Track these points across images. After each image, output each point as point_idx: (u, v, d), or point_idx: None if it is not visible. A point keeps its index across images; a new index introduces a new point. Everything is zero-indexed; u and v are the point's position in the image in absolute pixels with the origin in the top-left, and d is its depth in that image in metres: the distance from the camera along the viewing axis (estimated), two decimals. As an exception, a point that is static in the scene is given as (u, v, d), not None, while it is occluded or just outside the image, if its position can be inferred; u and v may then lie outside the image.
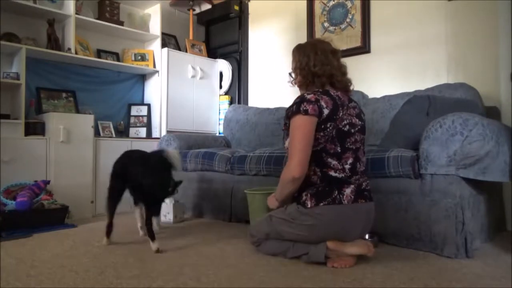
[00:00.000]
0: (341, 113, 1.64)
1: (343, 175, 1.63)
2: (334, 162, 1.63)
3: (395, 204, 1.95)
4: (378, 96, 2.83)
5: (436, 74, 2.75)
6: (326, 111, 1.61)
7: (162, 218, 2.66)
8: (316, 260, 1.63)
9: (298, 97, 1.67)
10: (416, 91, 2.58)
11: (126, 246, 2.01)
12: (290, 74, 1.87)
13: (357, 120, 1.70)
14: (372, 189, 1.76)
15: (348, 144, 1.65)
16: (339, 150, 1.64)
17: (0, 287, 1.40)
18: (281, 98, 3.63)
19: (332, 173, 1.63)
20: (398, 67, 2.96)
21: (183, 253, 1.87)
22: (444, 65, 2.72)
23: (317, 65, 1.72)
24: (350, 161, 1.65)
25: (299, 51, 1.81)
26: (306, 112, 1.59)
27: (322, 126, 1.62)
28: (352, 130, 1.66)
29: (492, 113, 2.36)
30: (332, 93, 1.67)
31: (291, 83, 1.88)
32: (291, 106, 1.66)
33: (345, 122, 1.65)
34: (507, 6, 2.43)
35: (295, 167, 1.61)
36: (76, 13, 3.15)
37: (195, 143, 3.32)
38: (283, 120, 1.77)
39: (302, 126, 1.61)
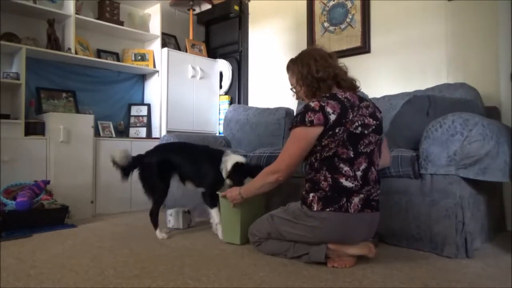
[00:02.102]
0: (351, 116, 1.59)
1: (353, 185, 1.58)
2: (346, 168, 1.58)
3: (395, 204, 1.95)
4: (378, 96, 2.83)
5: (436, 74, 2.75)
6: (333, 117, 1.56)
7: (169, 226, 2.57)
8: (317, 260, 1.63)
9: (304, 106, 1.64)
10: (416, 91, 2.58)
11: (126, 246, 2.01)
12: (291, 89, 1.85)
13: (371, 120, 1.64)
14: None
15: (362, 147, 1.60)
16: (352, 155, 1.59)
17: (0, 287, 1.40)
18: (281, 98, 3.62)
19: (343, 180, 1.58)
20: (398, 67, 2.96)
21: (183, 253, 1.87)
22: (444, 65, 2.72)
23: (320, 70, 1.69)
24: (362, 167, 1.60)
25: (296, 64, 1.79)
26: (311, 123, 1.57)
27: (330, 132, 1.57)
28: (366, 132, 1.61)
29: (492, 113, 2.36)
30: (340, 96, 1.63)
31: (295, 97, 1.87)
32: (296, 116, 1.64)
33: (357, 124, 1.59)
34: (507, 6, 2.43)
35: (284, 171, 1.68)
36: (76, 13, 3.15)
37: (195, 143, 3.31)
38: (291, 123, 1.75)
39: (301, 139, 1.62)
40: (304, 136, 1.61)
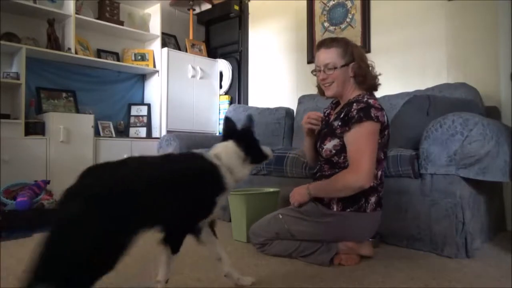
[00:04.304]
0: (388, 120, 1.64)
1: (374, 183, 1.59)
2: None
3: (395, 204, 1.95)
4: (378, 96, 2.81)
5: (436, 74, 2.74)
6: (386, 118, 1.60)
7: None
8: (322, 263, 1.62)
9: (360, 102, 1.56)
10: (416, 91, 2.58)
11: (126, 246, 2.01)
12: (318, 71, 1.69)
13: None
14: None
15: (387, 150, 1.68)
16: (382, 157, 1.63)
17: (0, 287, 1.40)
18: (281, 98, 3.63)
19: None
20: (398, 67, 2.96)
21: (183, 253, 1.86)
22: (444, 65, 2.72)
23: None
24: (383, 167, 1.66)
25: (349, 44, 1.67)
26: (377, 119, 1.53)
27: (381, 134, 1.58)
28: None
29: (492, 113, 2.35)
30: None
31: (321, 83, 1.70)
32: (359, 111, 1.53)
33: (389, 128, 1.65)
34: (507, 6, 2.43)
35: (367, 175, 1.50)
36: (76, 13, 3.15)
37: (195, 143, 3.32)
38: (337, 121, 1.63)
39: (375, 134, 1.53)
40: (375, 131, 1.53)
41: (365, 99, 1.59)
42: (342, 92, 1.68)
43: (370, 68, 1.69)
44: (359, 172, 1.50)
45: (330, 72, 1.64)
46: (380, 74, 1.73)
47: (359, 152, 1.51)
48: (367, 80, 1.65)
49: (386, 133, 1.61)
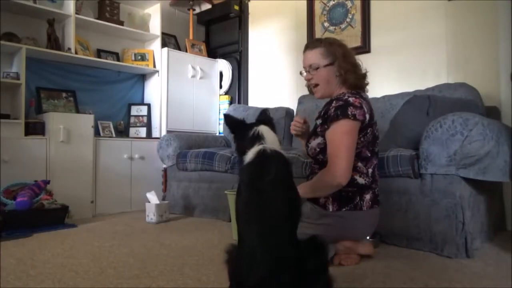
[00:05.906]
0: (374, 118, 1.63)
1: (365, 181, 1.61)
2: (361, 165, 1.61)
3: (395, 204, 1.95)
4: (378, 96, 2.83)
5: (436, 74, 2.74)
6: (367, 116, 1.58)
7: (146, 219, 2.71)
8: None
9: (339, 100, 1.58)
10: (416, 91, 2.58)
11: (126, 246, 2.01)
12: (307, 71, 1.71)
13: None
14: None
15: (376, 148, 1.67)
16: (369, 155, 1.64)
17: (0, 287, 1.40)
18: (281, 98, 3.63)
19: (357, 177, 1.60)
20: (398, 67, 2.95)
21: (183, 253, 1.87)
22: (444, 65, 2.72)
23: (352, 57, 1.70)
24: (373, 165, 1.66)
25: (330, 43, 1.69)
26: (354, 117, 1.52)
27: (363, 132, 1.58)
28: (378, 134, 1.67)
29: (492, 113, 2.36)
30: (365, 96, 1.66)
31: (309, 84, 1.73)
32: (336, 109, 1.55)
33: (377, 126, 1.65)
34: (507, 6, 2.43)
35: (343, 173, 1.51)
36: (76, 13, 3.14)
37: (195, 143, 3.32)
38: (318, 119, 1.67)
39: (351, 132, 1.53)
40: (352, 129, 1.53)
41: (345, 97, 1.60)
42: (330, 92, 1.70)
43: (357, 67, 1.70)
44: (334, 170, 1.52)
45: (314, 72, 1.68)
46: (367, 71, 1.74)
47: (334, 150, 1.54)
48: (348, 79, 1.66)
49: (369, 131, 1.60)
